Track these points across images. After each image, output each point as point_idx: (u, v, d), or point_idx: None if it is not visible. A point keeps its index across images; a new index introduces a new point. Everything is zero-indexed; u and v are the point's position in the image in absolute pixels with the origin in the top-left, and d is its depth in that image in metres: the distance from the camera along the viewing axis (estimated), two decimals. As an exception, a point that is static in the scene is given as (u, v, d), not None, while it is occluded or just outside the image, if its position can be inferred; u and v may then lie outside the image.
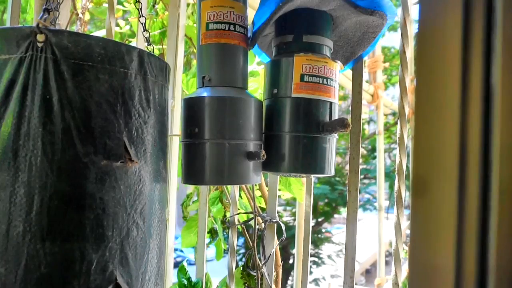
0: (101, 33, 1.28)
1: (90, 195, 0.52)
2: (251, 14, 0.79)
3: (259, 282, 0.99)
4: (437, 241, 0.23)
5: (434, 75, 0.23)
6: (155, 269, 0.64)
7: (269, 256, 0.97)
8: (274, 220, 1.00)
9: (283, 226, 0.98)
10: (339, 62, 0.79)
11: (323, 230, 8.45)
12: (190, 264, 1.47)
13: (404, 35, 0.90)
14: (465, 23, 0.21)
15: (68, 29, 0.91)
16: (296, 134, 0.76)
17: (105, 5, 1.36)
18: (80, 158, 0.52)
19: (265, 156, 0.72)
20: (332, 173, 0.81)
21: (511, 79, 0.21)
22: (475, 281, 0.21)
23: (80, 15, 0.96)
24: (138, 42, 1.06)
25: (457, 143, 0.22)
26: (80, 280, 0.50)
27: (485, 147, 0.21)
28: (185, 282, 1.07)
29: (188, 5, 1.22)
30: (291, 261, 6.23)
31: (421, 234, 0.23)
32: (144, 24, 0.79)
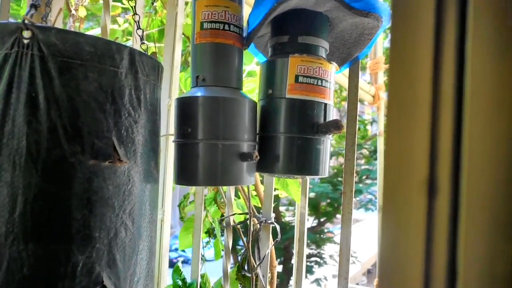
0: (99, 30, 1.27)
1: (76, 196, 0.52)
2: (247, 10, 0.78)
3: (254, 283, 0.98)
4: (406, 249, 0.22)
5: (405, 76, 0.22)
6: (145, 270, 0.64)
7: (263, 257, 0.96)
8: (269, 221, 0.99)
9: (278, 227, 0.97)
10: (334, 63, 0.78)
11: (325, 230, 8.43)
12: (184, 262, 1.46)
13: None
14: (437, 24, 0.20)
15: (60, 26, 0.90)
16: (291, 135, 0.75)
17: (101, 2, 1.36)
18: (66, 157, 0.51)
19: (258, 157, 0.71)
20: (326, 174, 0.80)
21: (482, 79, 0.20)
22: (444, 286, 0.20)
23: (73, 12, 0.95)
24: (134, 40, 1.05)
25: (428, 147, 0.21)
26: (64, 282, 0.50)
27: (456, 151, 0.21)
28: (180, 283, 1.07)
29: (186, 3, 1.22)
30: (293, 261, 6.23)
31: (390, 242, 0.23)
32: (138, 22, 0.78)
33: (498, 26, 0.20)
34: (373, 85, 2.52)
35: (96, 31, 1.43)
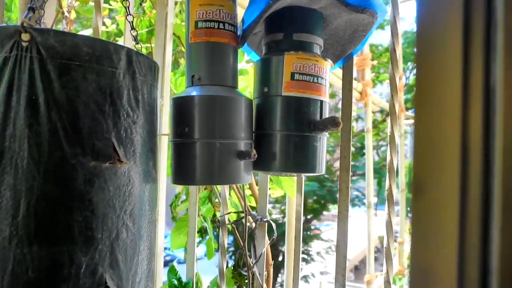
0: (87, 32, 1.26)
1: (78, 197, 0.51)
2: (240, 12, 0.78)
3: (251, 281, 0.99)
4: (438, 244, 0.22)
5: (434, 74, 0.23)
6: (146, 271, 0.63)
7: (260, 256, 0.96)
8: (265, 219, 0.99)
9: (274, 225, 0.98)
10: (329, 60, 0.78)
11: (312, 227, 8.50)
12: (179, 263, 1.46)
13: (394, 34, 0.90)
14: (465, 22, 0.21)
15: (53, 28, 0.88)
16: (287, 132, 0.75)
17: (91, 3, 1.34)
18: (67, 159, 0.50)
19: (256, 156, 0.72)
20: (323, 172, 0.81)
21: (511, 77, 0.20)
22: (477, 285, 0.21)
23: (66, 14, 0.94)
24: (126, 41, 1.04)
25: (459, 143, 0.22)
26: (69, 284, 0.49)
27: (487, 147, 0.21)
28: (176, 282, 1.06)
29: (176, 3, 1.21)
30: (280, 258, 6.25)
31: (422, 237, 0.23)
32: (132, 22, 0.77)
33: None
34: (360, 81, 2.55)
35: (83, 33, 1.41)
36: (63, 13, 0.97)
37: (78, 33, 1.40)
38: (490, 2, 0.20)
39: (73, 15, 1.11)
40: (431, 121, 0.23)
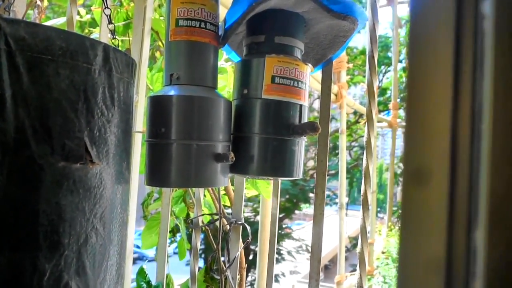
0: (61, 20, 1.20)
1: (45, 200, 0.48)
2: (223, 11, 0.77)
3: (223, 285, 0.97)
4: (428, 232, 0.23)
5: (426, 74, 0.23)
6: (115, 277, 0.61)
7: (233, 259, 0.95)
8: (239, 222, 0.98)
9: (248, 228, 0.97)
10: (309, 64, 0.78)
11: (284, 226, 8.55)
12: (148, 261, 1.42)
13: (373, 41, 0.91)
14: (457, 28, 0.21)
15: (25, 17, 0.84)
16: (266, 136, 0.74)
17: (65, -9, 1.28)
18: (35, 159, 0.47)
19: (234, 158, 0.70)
20: (300, 176, 0.80)
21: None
22: (464, 269, 0.22)
23: (38, 2, 0.89)
24: (102, 34, 1.00)
25: (448, 138, 0.22)
26: (31, 293, 0.46)
27: (475, 145, 0.22)
28: (145, 286, 1.04)
29: (155, -3, 1.18)
30: (251, 257, 6.26)
31: (413, 226, 0.24)
32: (109, 16, 0.74)
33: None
34: (336, 83, 2.58)
35: (54, 22, 1.35)
36: (35, 2, 0.92)
37: (50, 20, 1.34)
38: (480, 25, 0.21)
39: (45, 3, 1.06)
40: (422, 118, 0.24)
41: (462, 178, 0.24)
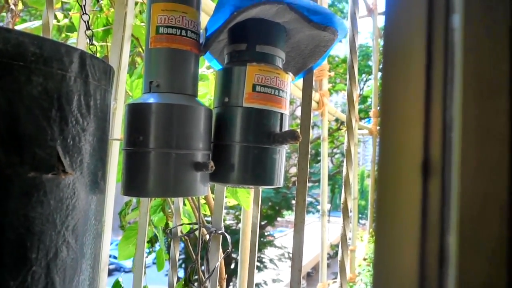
0: (34, 24, 1.17)
1: (11, 212, 0.46)
2: (204, 18, 0.76)
3: (202, 296, 0.95)
4: (401, 241, 0.23)
5: (399, 84, 0.24)
6: (88, 291, 0.59)
7: (213, 270, 0.93)
8: (219, 231, 0.97)
9: (229, 238, 0.95)
10: (290, 73, 0.78)
11: (266, 233, 8.52)
12: (124, 272, 1.38)
13: (352, 51, 0.92)
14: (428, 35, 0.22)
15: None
16: (246, 144, 0.73)
17: (42, -5, 1.25)
18: (1, 169, 0.45)
19: (214, 167, 0.69)
20: (281, 185, 0.79)
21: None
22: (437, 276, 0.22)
23: (12, 7, 0.86)
24: (79, 39, 0.98)
25: (421, 148, 0.22)
26: (-6, 312, 0.44)
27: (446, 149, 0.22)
28: (122, 298, 1.00)
29: (136, 3, 1.16)
30: (232, 266, 6.20)
31: (386, 238, 0.24)
32: (88, 22, 0.72)
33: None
34: (318, 91, 2.60)
35: (28, 25, 1.31)
36: (8, 5, 0.89)
37: (25, 23, 1.31)
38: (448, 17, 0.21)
39: (20, 6, 1.03)
40: (394, 131, 0.24)
41: (434, 188, 0.24)
